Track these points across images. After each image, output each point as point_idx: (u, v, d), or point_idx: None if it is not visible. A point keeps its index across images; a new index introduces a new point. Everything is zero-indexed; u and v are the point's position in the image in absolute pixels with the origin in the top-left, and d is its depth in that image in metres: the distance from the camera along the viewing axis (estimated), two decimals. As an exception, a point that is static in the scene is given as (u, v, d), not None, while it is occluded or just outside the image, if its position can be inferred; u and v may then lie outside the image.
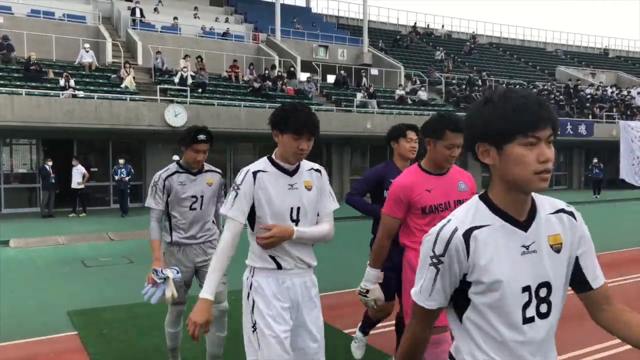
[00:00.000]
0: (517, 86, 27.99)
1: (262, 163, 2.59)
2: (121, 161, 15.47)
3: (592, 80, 32.65)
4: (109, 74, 18.28)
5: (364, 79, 24.35)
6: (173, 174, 3.70)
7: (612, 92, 30.49)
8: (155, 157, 17.66)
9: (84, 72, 17.99)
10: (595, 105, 27.80)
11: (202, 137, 3.57)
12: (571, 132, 24.51)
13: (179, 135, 3.69)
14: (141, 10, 22.74)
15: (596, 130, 25.26)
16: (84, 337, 4.94)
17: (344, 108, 20.83)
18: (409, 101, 23.25)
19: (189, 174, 3.70)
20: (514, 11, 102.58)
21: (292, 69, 22.45)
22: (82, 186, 15.18)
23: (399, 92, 23.48)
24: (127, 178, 15.22)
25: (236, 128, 17.29)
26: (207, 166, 3.80)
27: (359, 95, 21.87)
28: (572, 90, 29.12)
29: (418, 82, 25.53)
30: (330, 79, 26.32)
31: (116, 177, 15.31)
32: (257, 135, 18.03)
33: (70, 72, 16.87)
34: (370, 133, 19.36)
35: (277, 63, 22.55)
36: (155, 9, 24.42)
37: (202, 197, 3.71)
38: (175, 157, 15.70)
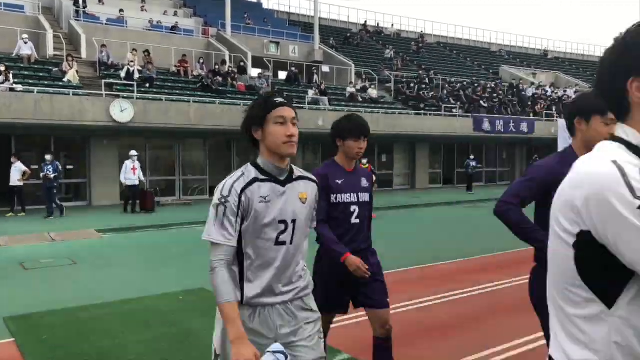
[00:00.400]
0: (465, 82, 28.93)
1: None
2: (47, 157, 14.27)
3: (532, 79, 34.10)
4: (50, 67, 17.48)
5: (316, 76, 24.41)
6: (252, 182, 2.17)
7: (551, 92, 31.97)
8: (100, 153, 17.11)
9: (22, 65, 17.14)
10: (537, 104, 29.07)
11: (280, 99, 2.28)
12: (514, 130, 25.52)
13: (243, 120, 2.30)
14: (84, 1, 21.87)
15: (537, 128, 26.40)
16: (21, 345, 4.71)
17: (295, 105, 20.77)
18: (360, 99, 23.51)
19: (274, 182, 2.21)
20: (461, 12, 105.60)
21: (242, 64, 22.20)
22: (21, 184, 14.43)
23: (350, 89, 23.69)
24: (52, 175, 14.10)
25: (185, 124, 16.95)
26: (297, 170, 2.35)
27: (311, 92, 21.91)
28: (515, 90, 30.32)
29: (368, 80, 25.84)
30: (282, 75, 26.23)
31: (42, 174, 14.25)
32: (207, 132, 17.73)
33: (7, 64, 16.02)
34: (322, 130, 19.42)
35: (227, 58, 22.25)
36: (100, 1, 23.56)
37: (293, 222, 2.21)
38: (133, 152, 15.31)
